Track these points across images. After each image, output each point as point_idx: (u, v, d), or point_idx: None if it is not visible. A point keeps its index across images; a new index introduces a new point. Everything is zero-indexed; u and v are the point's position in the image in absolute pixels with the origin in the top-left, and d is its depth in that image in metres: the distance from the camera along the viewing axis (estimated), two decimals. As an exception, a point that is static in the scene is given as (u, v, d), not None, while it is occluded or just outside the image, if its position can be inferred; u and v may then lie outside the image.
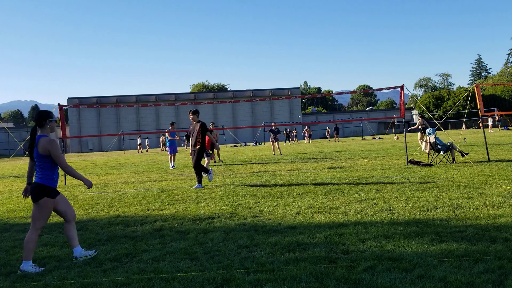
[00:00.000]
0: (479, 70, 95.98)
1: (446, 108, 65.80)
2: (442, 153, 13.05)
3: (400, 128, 52.84)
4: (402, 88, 13.73)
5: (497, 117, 45.74)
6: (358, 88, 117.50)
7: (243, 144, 49.63)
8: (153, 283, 3.87)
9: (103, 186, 11.80)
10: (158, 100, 62.05)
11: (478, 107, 13.57)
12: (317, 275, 3.86)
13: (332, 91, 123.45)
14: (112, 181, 13.16)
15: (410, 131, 25.31)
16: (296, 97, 15.46)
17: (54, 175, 4.73)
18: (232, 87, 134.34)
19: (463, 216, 5.85)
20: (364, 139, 44.25)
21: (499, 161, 12.59)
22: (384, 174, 11.00)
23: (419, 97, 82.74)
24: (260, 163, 17.17)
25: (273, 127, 23.86)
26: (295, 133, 47.02)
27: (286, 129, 42.46)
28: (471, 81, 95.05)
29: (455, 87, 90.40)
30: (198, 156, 10.19)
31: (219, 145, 14.54)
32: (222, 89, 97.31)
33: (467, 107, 25.85)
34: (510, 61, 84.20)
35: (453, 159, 12.82)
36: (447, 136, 16.68)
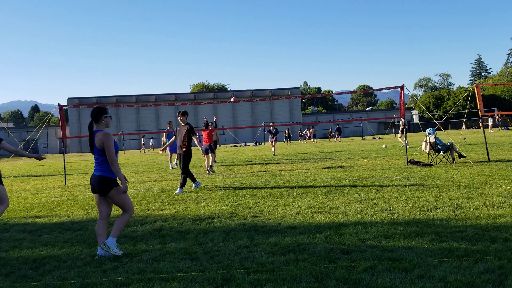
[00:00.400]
0: (479, 70, 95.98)
1: (446, 108, 65.83)
2: (442, 153, 13.04)
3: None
4: (402, 88, 13.73)
5: (497, 117, 45.74)
6: (358, 88, 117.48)
7: (243, 144, 49.63)
8: (153, 283, 3.87)
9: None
10: (158, 100, 62.08)
11: (478, 107, 13.56)
12: (317, 275, 3.86)
13: (332, 91, 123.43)
14: (112, 181, 13.15)
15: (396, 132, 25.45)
16: (296, 97, 15.47)
17: (109, 168, 4.91)
18: (232, 87, 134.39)
19: (463, 216, 5.85)
20: (364, 139, 44.24)
21: (499, 161, 12.59)
22: (384, 174, 11.00)
23: (419, 97, 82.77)
24: (260, 163, 17.17)
25: (271, 127, 23.86)
26: (300, 133, 46.96)
27: (287, 128, 42.45)
28: (471, 81, 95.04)
29: (455, 87, 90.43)
30: (184, 160, 9.82)
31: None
32: (222, 89, 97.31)
33: (467, 107, 25.84)
34: (510, 61, 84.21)
35: (453, 159, 12.81)
36: (447, 136, 16.68)
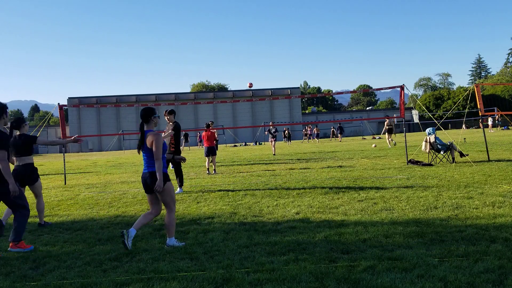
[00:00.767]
0: (479, 70, 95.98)
1: (446, 108, 65.83)
2: (442, 153, 13.04)
3: (400, 128, 52.84)
4: (402, 88, 13.72)
5: (497, 117, 45.73)
6: (358, 88, 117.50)
7: (243, 144, 49.63)
8: (153, 283, 3.87)
9: (103, 186, 11.80)
10: (158, 99, 62.05)
11: (478, 107, 13.56)
12: (317, 275, 3.86)
13: (332, 90, 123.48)
14: (112, 180, 13.16)
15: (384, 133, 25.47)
16: (296, 97, 15.49)
17: (164, 163, 5.14)
18: (232, 87, 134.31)
19: (463, 216, 5.85)
20: (364, 138, 44.26)
21: (499, 161, 12.60)
22: (384, 174, 11.00)
23: (419, 97, 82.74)
24: (260, 163, 17.17)
25: (271, 127, 23.86)
26: (304, 132, 46.88)
27: (287, 128, 42.43)
28: (471, 81, 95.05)
29: (455, 87, 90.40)
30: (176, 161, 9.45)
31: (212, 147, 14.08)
32: (222, 89, 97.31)
33: (467, 107, 25.78)
34: (510, 61, 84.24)
35: (453, 158, 12.82)
36: (447, 136, 16.68)
